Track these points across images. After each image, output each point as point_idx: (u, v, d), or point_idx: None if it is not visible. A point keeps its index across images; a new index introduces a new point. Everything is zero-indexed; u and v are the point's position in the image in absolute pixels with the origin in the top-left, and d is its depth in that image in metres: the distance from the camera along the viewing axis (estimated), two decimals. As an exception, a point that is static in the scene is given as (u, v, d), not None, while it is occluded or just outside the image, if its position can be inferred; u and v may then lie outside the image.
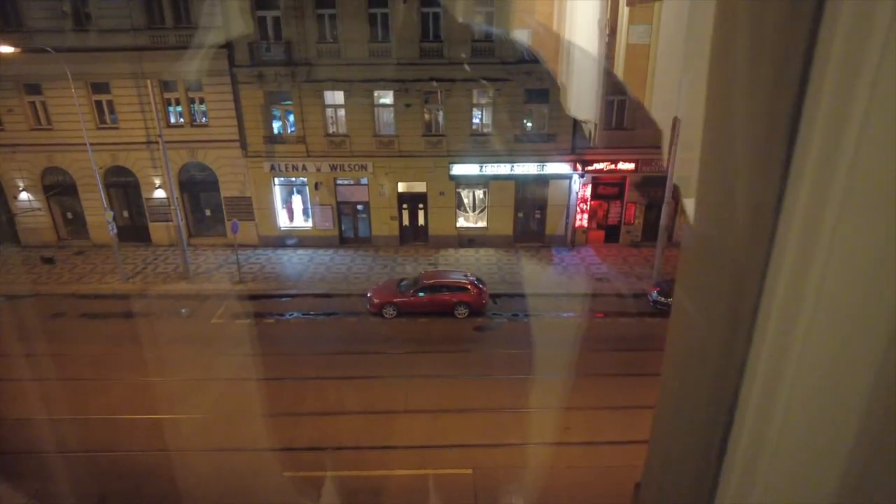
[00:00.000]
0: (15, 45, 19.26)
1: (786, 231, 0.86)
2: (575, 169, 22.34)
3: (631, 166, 22.34)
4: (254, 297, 19.04)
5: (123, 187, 23.33)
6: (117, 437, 11.67)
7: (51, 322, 17.40)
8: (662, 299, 17.75)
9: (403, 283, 18.22)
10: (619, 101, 21.76)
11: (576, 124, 21.75)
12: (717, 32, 1.02)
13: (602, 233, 23.85)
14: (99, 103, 22.06)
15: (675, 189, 19.85)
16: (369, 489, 10.40)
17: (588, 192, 22.82)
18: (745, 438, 0.98)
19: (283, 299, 19.00)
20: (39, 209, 23.51)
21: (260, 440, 11.58)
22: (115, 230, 19.60)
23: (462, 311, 17.38)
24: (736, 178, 0.98)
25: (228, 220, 22.81)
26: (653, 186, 22.14)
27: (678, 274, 1.18)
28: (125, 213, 23.74)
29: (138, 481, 10.46)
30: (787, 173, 0.85)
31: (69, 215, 24.08)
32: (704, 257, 1.09)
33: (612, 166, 22.38)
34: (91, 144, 19.34)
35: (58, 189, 23.30)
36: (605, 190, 23.25)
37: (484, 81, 21.29)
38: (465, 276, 18.30)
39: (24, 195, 23.26)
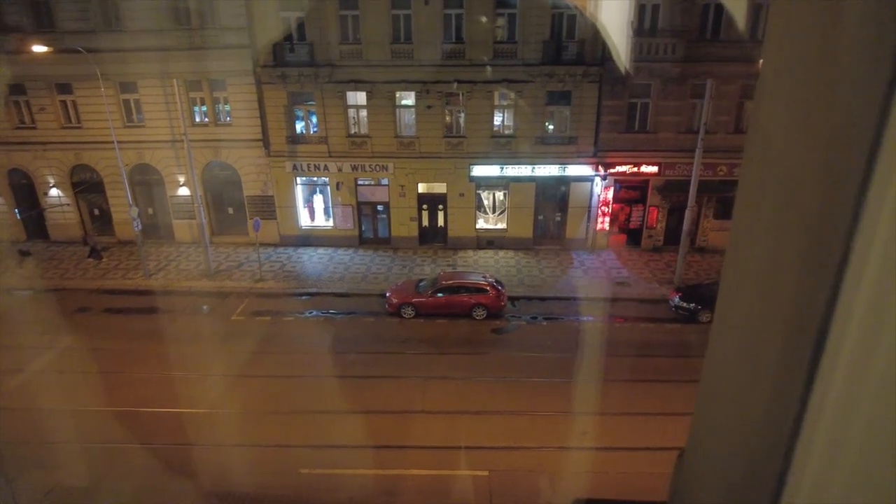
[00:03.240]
0: (48, 46, 19.75)
1: (875, 214, 0.74)
2: (597, 171, 22.13)
3: (654, 169, 22.06)
4: (274, 295, 19.21)
5: (148, 185, 23.75)
6: (138, 429, 11.84)
7: (75, 316, 17.75)
8: (684, 304, 17.46)
9: (422, 283, 18.21)
10: (642, 104, 21.53)
11: (598, 126, 21.57)
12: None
13: (623, 237, 23.59)
14: (126, 102, 22.51)
15: (699, 193, 19.56)
16: (385, 489, 10.39)
17: (610, 194, 22.59)
18: (821, 434, 0.85)
19: (303, 298, 19.13)
20: (68, 205, 24.05)
21: (277, 436, 11.66)
22: (140, 227, 19.94)
23: (480, 313, 17.30)
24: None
25: (250, 218, 23.06)
26: (676, 190, 21.82)
27: (726, 261, 1.08)
28: (149, 211, 24.15)
29: (156, 473, 10.59)
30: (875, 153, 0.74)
31: (96, 212, 24.59)
32: (763, 243, 0.98)
33: (635, 169, 22.13)
34: (118, 142, 19.73)
35: (85, 186, 23.82)
36: (627, 193, 22.99)
37: (505, 83, 21.23)
38: (484, 277, 18.23)
39: (53, 191, 23.82)
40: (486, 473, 10.63)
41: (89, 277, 20.67)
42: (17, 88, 22.49)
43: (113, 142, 19.63)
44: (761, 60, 0.98)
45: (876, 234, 0.74)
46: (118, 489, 10.27)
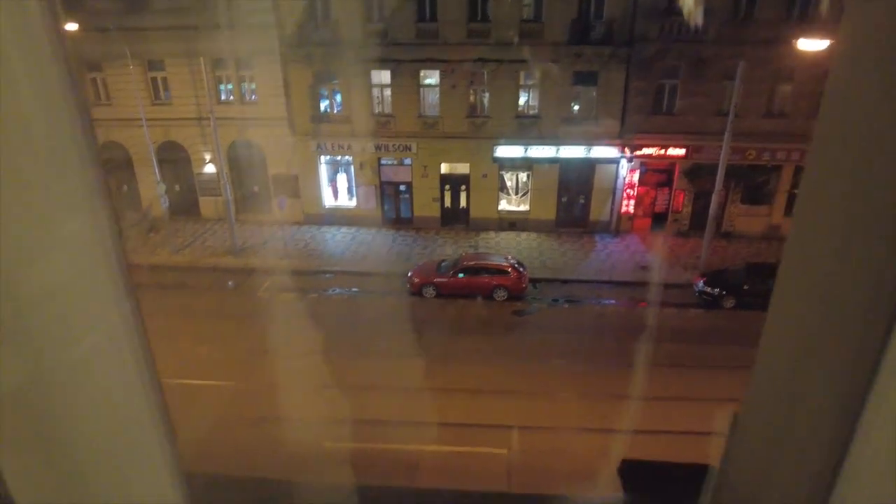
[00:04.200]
0: (77, 24, 20.02)
1: None
2: (622, 153, 21.80)
3: (681, 152, 21.65)
4: (298, 273, 19.47)
5: (175, 162, 24.09)
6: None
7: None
8: (708, 290, 17.25)
9: (443, 264, 18.29)
10: (670, 86, 21.07)
11: (625, 107, 21.19)
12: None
13: (648, 220, 23.28)
14: (154, 80, 22.78)
15: (727, 178, 19.15)
16: (405, 463, 10.59)
17: (636, 177, 22.27)
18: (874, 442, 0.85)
19: (327, 276, 19.37)
20: (98, 182, 24.50)
21: (301, 411, 11.91)
22: (167, 203, 20.31)
23: (501, 295, 17.33)
24: None
25: (275, 197, 23.30)
26: (703, 175, 21.37)
27: (787, 245, 1.04)
28: (176, 188, 24.54)
29: (182, 443, 10.92)
30: None
31: (124, 188, 25.07)
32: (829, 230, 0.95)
33: (662, 152, 21.75)
34: (146, 120, 20.03)
35: (114, 163, 24.27)
36: (653, 176, 22.64)
37: (531, 63, 20.93)
38: (506, 259, 18.23)
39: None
40: (504, 451, 10.76)
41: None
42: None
43: (141, 119, 19.93)
44: (835, 45, 0.92)
45: None
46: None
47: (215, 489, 1.76)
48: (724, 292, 16.89)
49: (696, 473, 1.41)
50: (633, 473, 1.74)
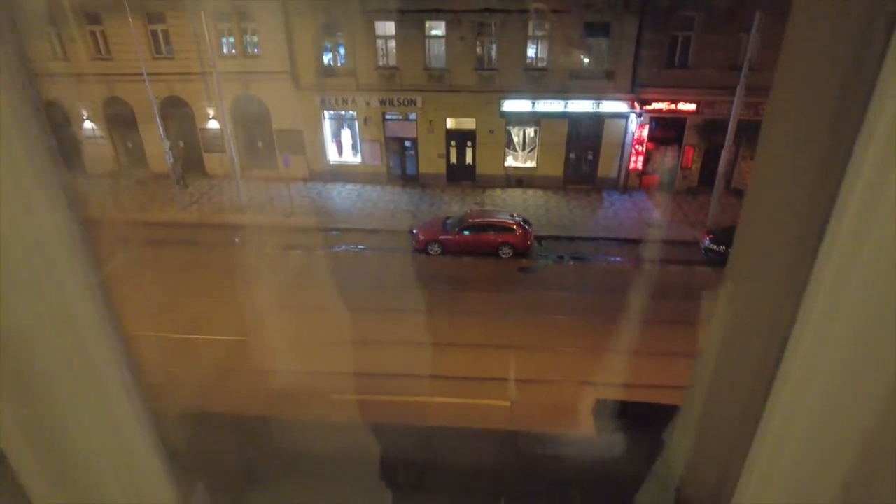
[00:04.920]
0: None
1: (845, 201, 0.80)
2: (632, 108, 21.34)
3: (692, 107, 21.18)
4: (305, 230, 19.53)
5: (178, 118, 23.85)
6: (172, 354, 12.49)
7: (116, 247, 18.40)
8: (715, 247, 17.18)
9: (449, 221, 18.25)
10: (684, 38, 20.41)
11: (637, 60, 20.60)
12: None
13: (657, 177, 22.98)
14: (154, 33, 22.32)
15: (737, 134, 18.77)
16: (410, 415, 10.85)
17: (645, 133, 21.87)
18: (772, 430, 0.98)
19: (333, 233, 19.42)
20: (102, 138, 24.43)
21: (309, 364, 12.16)
22: (172, 159, 20.24)
23: (506, 252, 17.34)
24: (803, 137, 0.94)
25: (280, 153, 23.14)
26: (714, 130, 20.94)
27: (738, 230, 1.19)
28: (181, 144, 24.38)
29: (190, 396, 11.24)
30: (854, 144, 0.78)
31: (129, 144, 24.95)
32: (766, 217, 1.10)
33: (673, 107, 21.27)
34: (148, 75, 19.73)
35: (118, 119, 24.09)
36: (663, 132, 22.21)
37: (541, 13, 20.27)
38: (511, 216, 18.15)
39: (87, 124, 24.17)
40: (507, 404, 10.99)
41: (126, 209, 21.26)
42: (47, 20, 22.42)
43: (143, 74, 19.64)
44: None
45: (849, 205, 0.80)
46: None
47: (217, 429, 1.82)
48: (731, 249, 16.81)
49: (665, 412, 1.51)
50: (607, 412, 1.84)
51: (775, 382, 0.96)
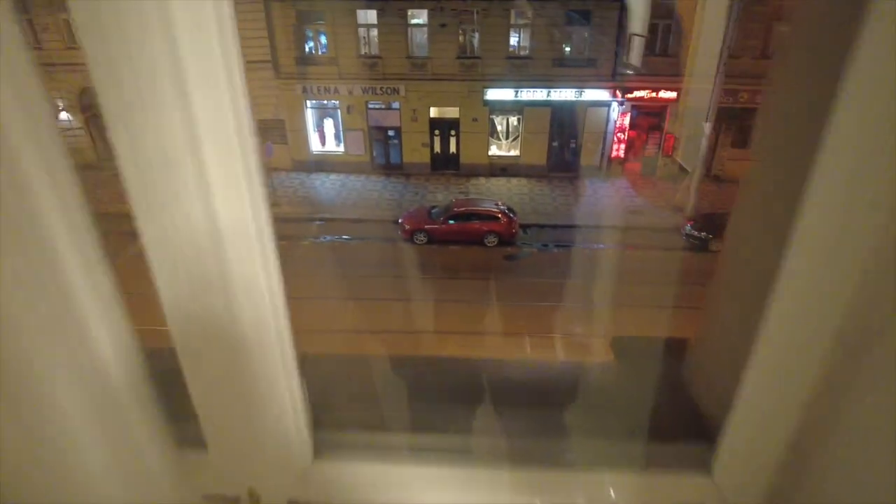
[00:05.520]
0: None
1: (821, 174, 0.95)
2: (614, 96, 21.52)
3: (673, 95, 21.40)
4: (288, 220, 19.40)
5: (158, 108, 23.44)
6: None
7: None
8: (696, 233, 17.47)
9: (434, 210, 18.29)
10: (664, 25, 20.57)
11: (618, 49, 20.75)
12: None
13: (638, 164, 23.25)
14: (131, 21, 21.83)
15: (716, 120, 19.05)
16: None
17: (626, 121, 22.07)
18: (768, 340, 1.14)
19: (317, 223, 19.34)
20: (79, 129, 23.95)
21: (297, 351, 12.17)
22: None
23: (492, 240, 17.45)
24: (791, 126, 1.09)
25: (262, 142, 22.87)
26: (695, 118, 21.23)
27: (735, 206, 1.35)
28: (161, 135, 23.98)
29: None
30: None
31: (107, 135, 24.45)
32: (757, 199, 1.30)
33: (654, 94, 21.48)
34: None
35: (95, 110, 23.56)
36: (645, 120, 22.44)
37: (523, 0, 20.29)
38: (496, 204, 18.25)
39: (63, 115, 23.65)
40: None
41: (105, 201, 20.85)
42: (21, 6, 21.79)
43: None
44: None
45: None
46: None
47: None
48: (711, 235, 17.11)
49: (676, 345, 1.64)
50: (623, 346, 1.99)
51: (769, 312, 1.08)
